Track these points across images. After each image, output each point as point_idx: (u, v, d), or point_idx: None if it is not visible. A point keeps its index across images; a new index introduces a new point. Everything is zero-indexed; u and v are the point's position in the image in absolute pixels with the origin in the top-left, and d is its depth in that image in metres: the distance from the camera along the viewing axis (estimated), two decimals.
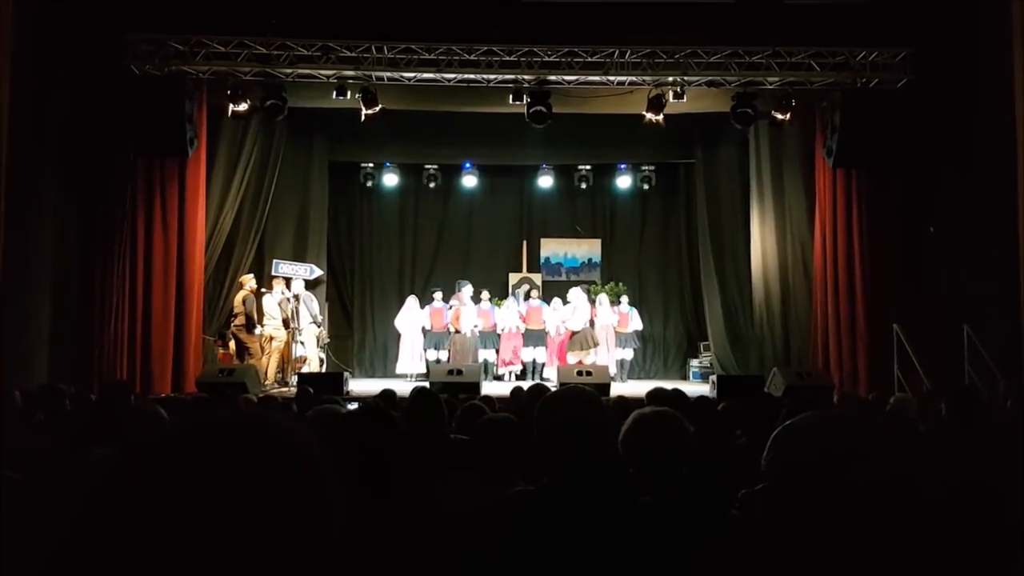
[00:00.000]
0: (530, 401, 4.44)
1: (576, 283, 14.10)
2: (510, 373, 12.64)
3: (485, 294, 13.07)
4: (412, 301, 12.85)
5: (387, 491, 2.38)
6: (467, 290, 12.85)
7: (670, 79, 10.61)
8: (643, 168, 14.14)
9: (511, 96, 10.67)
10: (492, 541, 1.85)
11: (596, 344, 12.34)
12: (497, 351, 12.75)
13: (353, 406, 3.48)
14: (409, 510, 2.41)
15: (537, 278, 14.22)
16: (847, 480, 0.95)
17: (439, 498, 2.60)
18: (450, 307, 12.62)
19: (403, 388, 7.49)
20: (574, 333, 12.36)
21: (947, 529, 0.87)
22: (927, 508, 0.88)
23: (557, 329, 12.59)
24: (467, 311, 12.47)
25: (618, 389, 9.81)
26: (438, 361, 12.17)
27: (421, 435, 3.55)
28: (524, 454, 2.79)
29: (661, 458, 2.35)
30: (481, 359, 12.24)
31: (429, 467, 3.07)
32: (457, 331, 12.37)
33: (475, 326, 12.44)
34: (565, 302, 12.74)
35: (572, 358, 12.17)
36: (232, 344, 11.41)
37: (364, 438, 2.50)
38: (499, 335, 12.74)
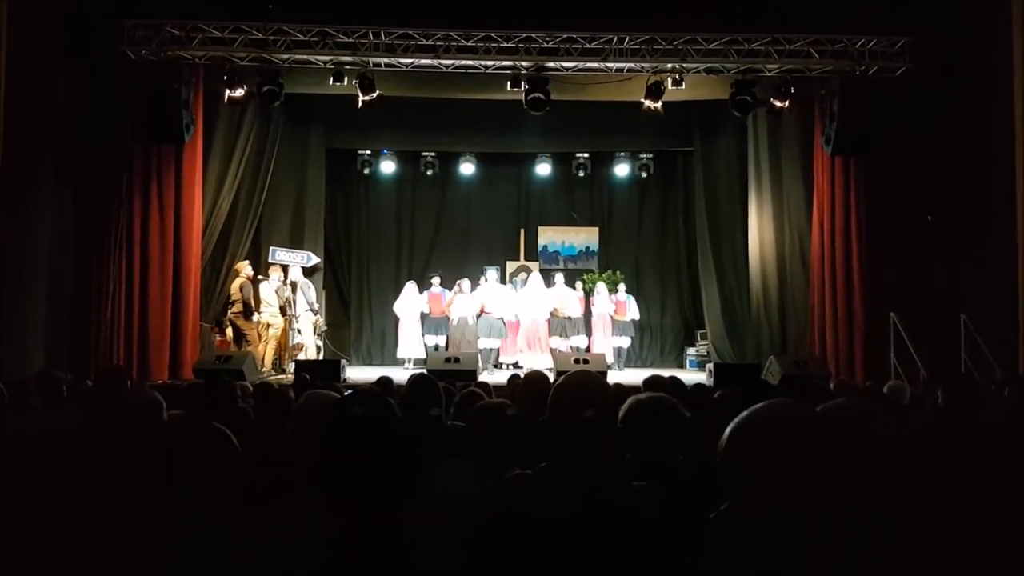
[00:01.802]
0: (527, 388, 4.43)
1: (574, 271, 14.12)
2: (508, 363, 12.61)
3: (494, 275, 13.02)
4: (411, 286, 12.83)
5: (384, 478, 2.38)
6: (492, 275, 12.84)
7: (669, 66, 10.58)
8: (641, 156, 14.12)
9: (509, 83, 10.64)
10: (489, 525, 1.85)
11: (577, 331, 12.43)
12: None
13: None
14: (405, 497, 2.41)
15: (535, 266, 14.20)
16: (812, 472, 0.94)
17: (435, 484, 2.60)
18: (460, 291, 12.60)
19: (400, 375, 7.49)
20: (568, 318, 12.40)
21: (932, 521, 0.86)
22: (911, 499, 0.87)
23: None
24: (463, 299, 12.43)
25: (615, 377, 9.82)
26: (436, 347, 12.16)
27: (418, 422, 3.54)
28: (519, 440, 2.79)
29: (657, 444, 2.35)
30: (482, 347, 12.16)
31: (426, 454, 3.07)
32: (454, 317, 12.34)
33: (472, 312, 12.39)
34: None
35: (560, 343, 12.23)
36: (229, 331, 11.40)
37: (360, 424, 2.50)
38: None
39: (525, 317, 12.38)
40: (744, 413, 1.50)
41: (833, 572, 0.89)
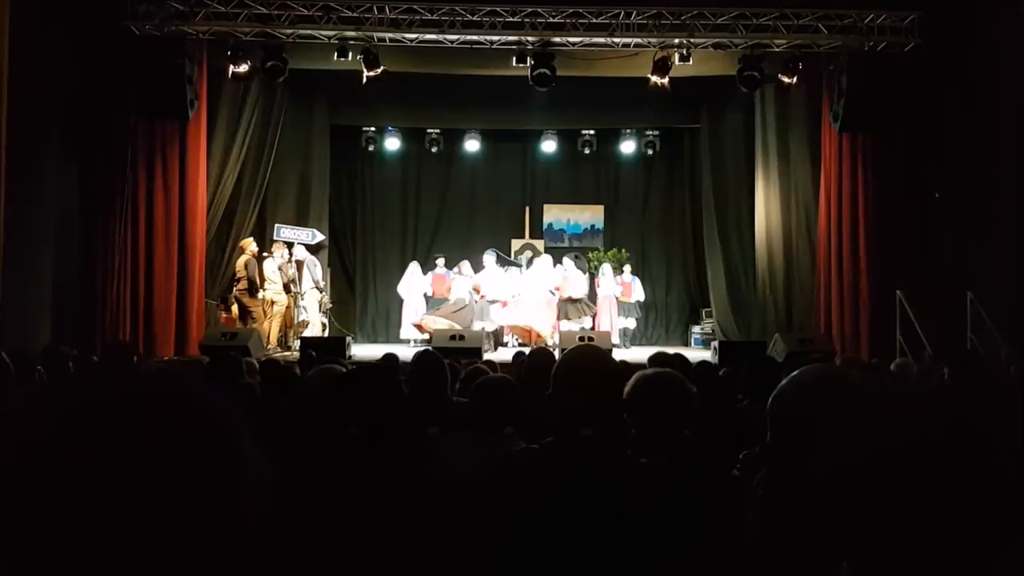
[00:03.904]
0: (531, 364, 4.43)
1: (579, 249, 14.10)
2: (517, 342, 12.60)
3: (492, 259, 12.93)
4: (414, 267, 12.83)
5: (389, 451, 2.39)
6: (488, 258, 12.71)
7: (676, 41, 10.47)
8: (647, 133, 14.04)
9: (514, 58, 10.55)
10: (494, 498, 1.86)
11: (591, 311, 12.36)
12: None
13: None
14: (410, 470, 2.42)
15: (540, 244, 14.17)
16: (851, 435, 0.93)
17: (439, 458, 2.61)
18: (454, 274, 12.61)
19: (406, 353, 7.51)
20: (574, 300, 12.31)
21: (947, 482, 0.85)
22: (928, 463, 0.87)
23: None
24: (462, 281, 12.41)
25: (620, 355, 9.80)
26: None
27: (423, 397, 3.55)
28: (521, 414, 2.80)
29: (663, 418, 2.35)
30: (480, 327, 12.12)
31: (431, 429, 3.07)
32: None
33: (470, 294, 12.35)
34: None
35: (569, 325, 12.17)
36: (235, 308, 11.43)
37: (365, 398, 2.50)
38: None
39: (530, 297, 12.24)
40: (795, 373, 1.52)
41: (846, 529, 0.88)
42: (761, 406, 2.00)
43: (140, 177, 10.33)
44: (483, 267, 12.66)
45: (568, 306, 12.32)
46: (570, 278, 12.46)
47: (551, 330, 12.02)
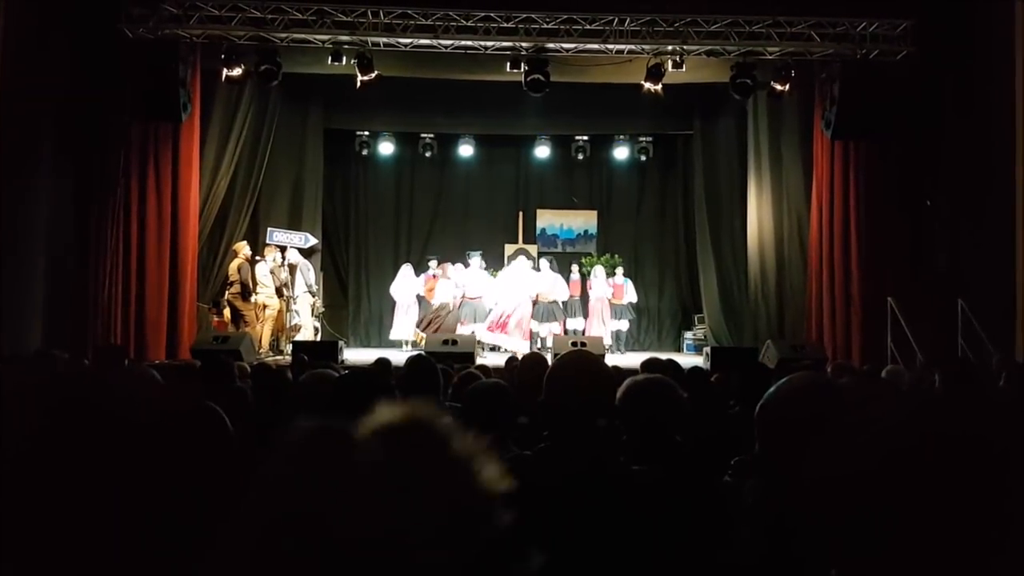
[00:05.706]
0: (524, 369, 4.44)
1: (572, 255, 14.12)
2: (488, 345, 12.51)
3: (477, 261, 12.92)
4: (407, 269, 12.82)
5: None
6: (476, 262, 12.75)
7: (669, 48, 10.51)
8: (641, 139, 14.06)
9: (508, 64, 10.58)
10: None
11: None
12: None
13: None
14: None
15: (533, 249, 14.18)
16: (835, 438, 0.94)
17: None
18: (432, 275, 12.60)
19: (398, 357, 7.49)
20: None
21: (938, 486, 0.86)
22: (917, 467, 0.87)
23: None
24: (445, 284, 12.39)
25: (614, 360, 9.83)
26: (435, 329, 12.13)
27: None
28: (514, 419, 2.80)
29: (655, 424, 2.35)
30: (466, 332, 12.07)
31: None
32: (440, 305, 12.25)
33: (455, 297, 12.34)
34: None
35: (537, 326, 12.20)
36: (227, 312, 11.40)
37: (360, 403, 2.50)
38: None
39: (508, 301, 12.18)
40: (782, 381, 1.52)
41: (835, 539, 0.89)
42: (752, 412, 2.01)
43: (133, 180, 10.32)
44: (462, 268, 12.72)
45: (553, 307, 12.38)
46: (554, 283, 12.50)
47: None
